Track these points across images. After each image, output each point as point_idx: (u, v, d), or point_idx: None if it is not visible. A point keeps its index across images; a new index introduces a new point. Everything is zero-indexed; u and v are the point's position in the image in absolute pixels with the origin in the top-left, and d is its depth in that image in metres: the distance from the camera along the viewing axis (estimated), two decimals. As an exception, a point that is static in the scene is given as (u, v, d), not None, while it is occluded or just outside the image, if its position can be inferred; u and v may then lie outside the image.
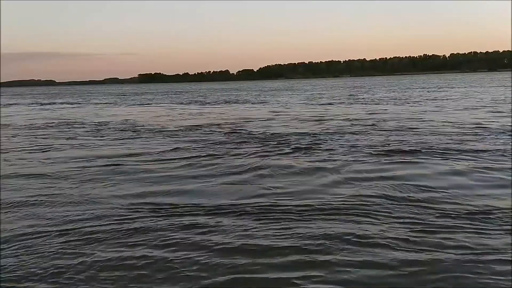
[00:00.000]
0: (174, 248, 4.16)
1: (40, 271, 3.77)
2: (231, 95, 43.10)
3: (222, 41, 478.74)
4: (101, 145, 11.23)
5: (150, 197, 5.99)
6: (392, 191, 5.87)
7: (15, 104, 39.07)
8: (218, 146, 10.10)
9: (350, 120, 14.93)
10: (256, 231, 4.52)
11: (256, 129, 13.26)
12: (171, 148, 10.03)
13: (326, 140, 10.48)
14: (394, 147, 9.25)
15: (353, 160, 8.01)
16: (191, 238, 4.38)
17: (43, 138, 12.87)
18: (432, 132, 11.38)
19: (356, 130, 12.29)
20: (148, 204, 5.64)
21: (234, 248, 4.10)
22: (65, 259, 3.98)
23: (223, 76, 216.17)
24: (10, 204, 5.76)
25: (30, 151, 10.52)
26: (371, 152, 8.70)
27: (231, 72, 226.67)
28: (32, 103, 39.02)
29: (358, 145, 9.59)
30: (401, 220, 4.74)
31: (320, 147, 9.59)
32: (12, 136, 13.64)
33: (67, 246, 4.29)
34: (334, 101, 27.49)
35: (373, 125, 13.29)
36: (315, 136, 11.25)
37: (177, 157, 8.86)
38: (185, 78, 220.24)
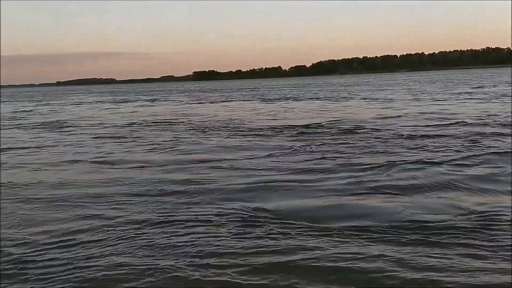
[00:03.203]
0: None
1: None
2: (307, 91, 42.33)
3: (273, 38, 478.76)
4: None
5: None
6: None
7: (98, 101, 40.24)
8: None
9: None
10: None
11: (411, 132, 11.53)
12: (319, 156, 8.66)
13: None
14: None
15: None
16: None
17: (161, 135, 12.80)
18: None
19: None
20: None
21: None
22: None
23: (275, 72, 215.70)
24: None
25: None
26: None
27: (283, 68, 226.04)
28: (114, 101, 39.97)
29: None
30: None
31: None
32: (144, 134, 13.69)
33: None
34: (448, 96, 24.94)
35: None
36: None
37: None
38: (238, 75, 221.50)
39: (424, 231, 4.40)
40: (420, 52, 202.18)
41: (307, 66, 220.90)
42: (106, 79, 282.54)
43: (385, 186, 6.16)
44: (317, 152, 8.99)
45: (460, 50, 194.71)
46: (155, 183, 6.80)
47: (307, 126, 13.45)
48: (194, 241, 4.34)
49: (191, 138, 12.08)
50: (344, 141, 10.23)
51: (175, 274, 3.67)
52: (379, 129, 12.02)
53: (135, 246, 4.27)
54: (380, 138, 10.47)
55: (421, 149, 8.79)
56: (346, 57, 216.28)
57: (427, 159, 7.80)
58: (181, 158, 8.95)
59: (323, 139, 10.78)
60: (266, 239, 4.31)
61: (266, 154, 8.97)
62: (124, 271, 3.73)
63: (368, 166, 7.37)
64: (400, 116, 15.36)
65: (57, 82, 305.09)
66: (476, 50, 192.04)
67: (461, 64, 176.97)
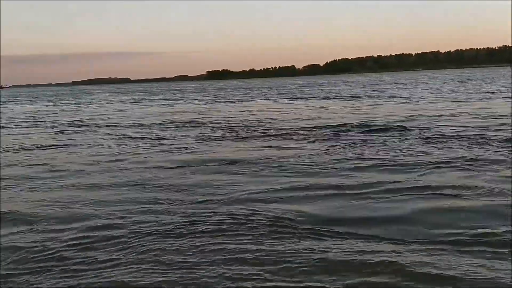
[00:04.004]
0: None
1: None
2: (327, 90, 41.93)
3: (286, 37, 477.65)
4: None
5: None
6: None
7: (118, 101, 40.39)
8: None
9: None
10: None
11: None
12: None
13: None
14: None
15: None
16: None
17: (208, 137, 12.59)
18: None
19: None
20: None
21: None
22: None
23: (289, 71, 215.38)
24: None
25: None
26: None
27: (296, 67, 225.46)
28: (134, 100, 40.08)
29: None
30: None
31: None
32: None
33: None
34: (481, 95, 23.76)
35: None
36: None
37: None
38: (251, 74, 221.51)
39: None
40: (436, 51, 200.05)
41: (321, 65, 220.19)
42: (120, 78, 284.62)
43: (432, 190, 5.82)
44: (354, 154, 8.52)
45: (476, 48, 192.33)
46: (179, 184, 6.66)
47: (339, 126, 13.01)
48: (224, 243, 4.26)
49: (218, 138, 11.74)
50: (383, 142, 9.76)
51: (205, 276, 3.66)
52: (418, 129, 11.60)
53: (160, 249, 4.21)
54: (422, 138, 10.03)
55: (467, 152, 8.26)
56: (360, 56, 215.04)
57: (470, 163, 7.30)
58: (208, 159, 8.66)
59: (358, 139, 10.33)
60: (300, 245, 4.17)
61: (299, 155, 8.61)
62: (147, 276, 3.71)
63: (413, 168, 6.99)
64: (439, 115, 14.92)
65: (73, 81, 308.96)
66: (492, 48, 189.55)
67: (476, 63, 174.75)
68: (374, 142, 9.80)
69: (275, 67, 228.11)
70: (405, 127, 12.06)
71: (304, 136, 11.39)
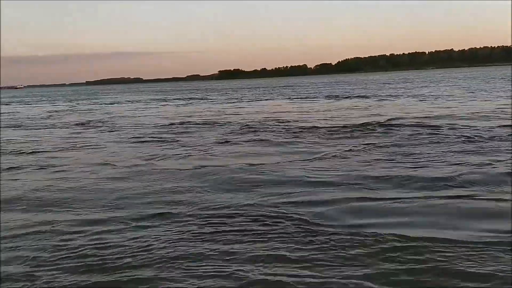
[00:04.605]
0: None
1: None
2: (344, 89, 41.34)
3: (298, 36, 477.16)
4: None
5: None
6: None
7: (134, 101, 40.48)
8: None
9: None
10: None
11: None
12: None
13: None
14: None
15: None
16: None
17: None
18: None
19: None
20: None
21: None
22: None
23: (300, 70, 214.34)
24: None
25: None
26: None
27: (308, 67, 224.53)
28: (149, 100, 40.30)
29: None
30: None
31: None
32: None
33: None
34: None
35: None
36: None
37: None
38: (263, 73, 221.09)
39: None
40: (449, 49, 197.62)
41: (333, 64, 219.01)
42: (133, 78, 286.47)
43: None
44: (384, 157, 8.20)
45: (491, 46, 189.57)
46: (200, 187, 6.57)
47: (365, 126, 12.62)
48: (248, 245, 4.24)
49: (241, 139, 11.48)
50: (415, 144, 9.35)
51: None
52: (451, 129, 11.17)
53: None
54: (457, 139, 9.64)
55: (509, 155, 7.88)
56: (372, 55, 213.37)
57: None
58: (231, 160, 8.47)
59: (387, 141, 9.97)
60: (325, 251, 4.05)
61: (326, 158, 8.34)
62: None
63: (452, 173, 6.62)
64: (472, 113, 14.50)
65: (87, 81, 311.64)
66: (507, 46, 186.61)
67: (490, 61, 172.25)
68: (405, 144, 9.44)
69: (286, 66, 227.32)
70: (437, 127, 11.70)
71: (330, 137, 11.11)
